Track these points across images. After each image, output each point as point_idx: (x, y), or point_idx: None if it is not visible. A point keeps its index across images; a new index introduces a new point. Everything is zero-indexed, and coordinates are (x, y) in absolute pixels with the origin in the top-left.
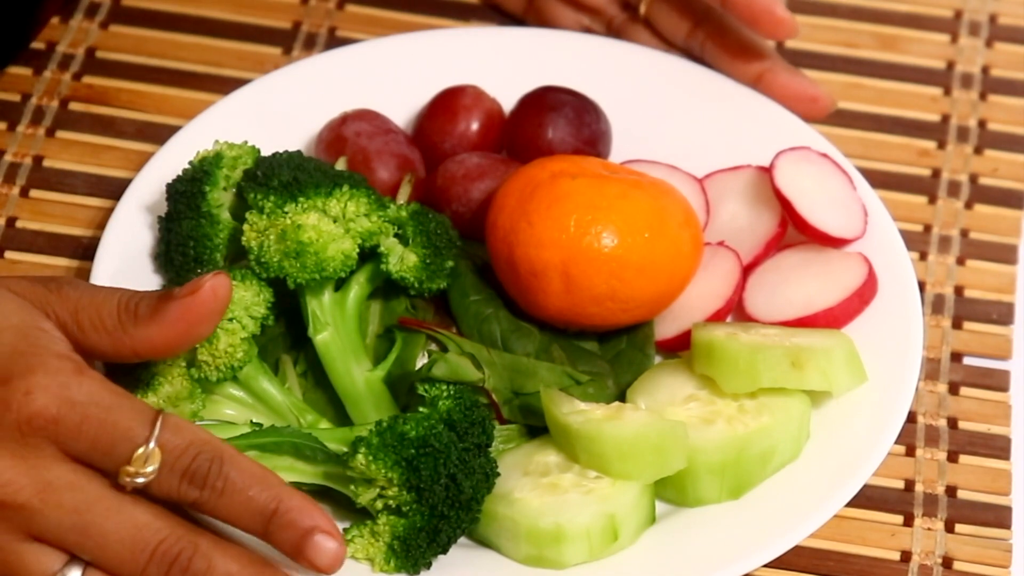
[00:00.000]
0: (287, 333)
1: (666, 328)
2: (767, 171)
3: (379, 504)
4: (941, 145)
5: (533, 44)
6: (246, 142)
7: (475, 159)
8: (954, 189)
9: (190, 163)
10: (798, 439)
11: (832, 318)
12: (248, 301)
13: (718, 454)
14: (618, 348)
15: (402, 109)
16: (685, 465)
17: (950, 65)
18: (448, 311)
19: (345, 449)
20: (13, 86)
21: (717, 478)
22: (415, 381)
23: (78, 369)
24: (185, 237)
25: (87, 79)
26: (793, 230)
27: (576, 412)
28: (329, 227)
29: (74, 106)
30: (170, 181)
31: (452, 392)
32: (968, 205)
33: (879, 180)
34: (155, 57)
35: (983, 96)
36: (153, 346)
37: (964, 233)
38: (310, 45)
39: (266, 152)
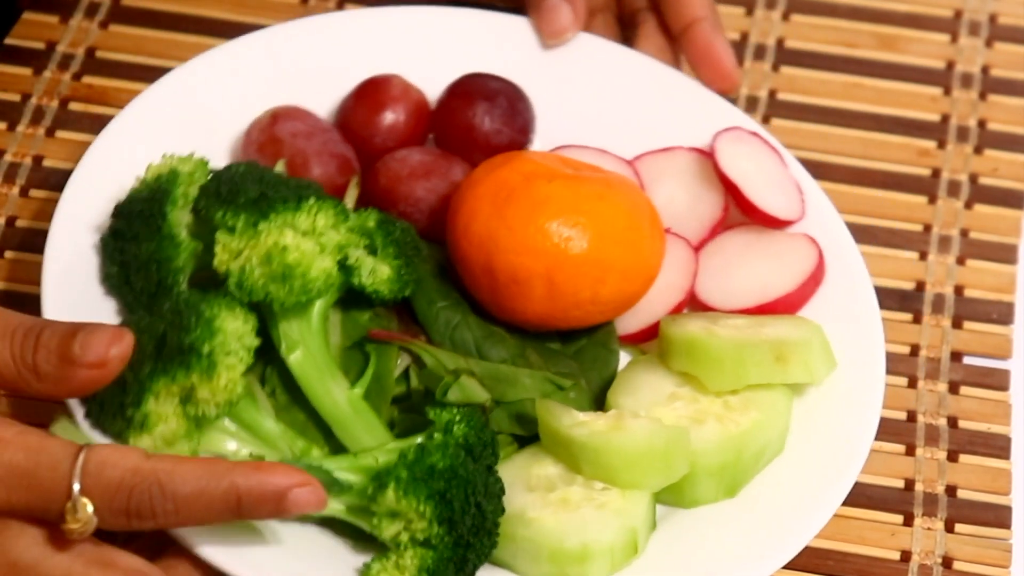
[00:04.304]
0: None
1: (627, 323)
2: (699, 152)
3: (404, 537)
4: (941, 145)
5: (443, 26)
6: (192, 154)
7: (416, 156)
8: (954, 189)
9: (143, 181)
10: (784, 432)
11: (789, 304)
12: (240, 331)
13: (718, 456)
14: (578, 345)
15: (316, 99)
16: (688, 470)
17: (950, 65)
18: (412, 317)
19: (353, 478)
20: (13, 86)
21: (716, 479)
22: (426, 407)
23: None
24: (147, 260)
25: (87, 79)
26: (734, 211)
27: (578, 424)
28: (309, 246)
29: (74, 106)
30: (121, 201)
31: (463, 415)
32: (968, 205)
33: (879, 180)
34: (155, 57)
35: (983, 96)
36: (56, 395)
37: (964, 233)
38: None
39: (188, 151)
